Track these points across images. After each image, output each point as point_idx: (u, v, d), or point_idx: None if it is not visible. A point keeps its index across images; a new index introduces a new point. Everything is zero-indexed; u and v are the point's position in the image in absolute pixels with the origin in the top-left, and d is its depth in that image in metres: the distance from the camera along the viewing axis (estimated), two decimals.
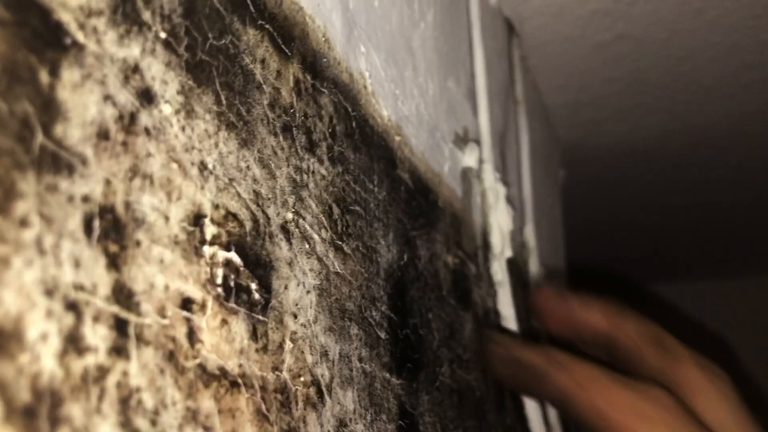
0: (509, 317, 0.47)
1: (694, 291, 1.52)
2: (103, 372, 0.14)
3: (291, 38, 0.25)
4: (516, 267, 0.53)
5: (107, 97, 0.16)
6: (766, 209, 1.05)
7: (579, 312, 0.40)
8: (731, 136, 0.83)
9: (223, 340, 0.18)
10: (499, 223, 0.47)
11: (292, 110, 0.24)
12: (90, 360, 0.14)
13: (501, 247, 0.47)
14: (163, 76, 0.18)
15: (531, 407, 0.47)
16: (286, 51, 0.24)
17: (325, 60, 0.27)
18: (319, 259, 0.24)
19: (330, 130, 0.27)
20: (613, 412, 0.33)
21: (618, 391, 0.33)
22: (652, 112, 0.79)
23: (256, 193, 0.21)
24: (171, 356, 0.16)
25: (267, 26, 0.23)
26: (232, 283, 0.19)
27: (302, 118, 0.25)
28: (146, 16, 0.18)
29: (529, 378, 0.36)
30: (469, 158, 0.45)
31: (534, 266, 0.57)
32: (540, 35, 0.64)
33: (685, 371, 0.35)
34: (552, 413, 0.54)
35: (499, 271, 0.47)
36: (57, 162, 0.15)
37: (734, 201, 1.03)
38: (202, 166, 0.19)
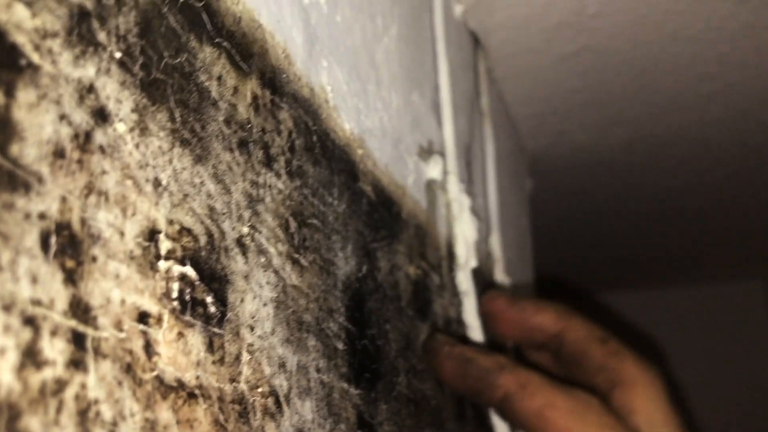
0: (474, 326, 0.47)
1: (656, 298, 1.55)
2: (61, 385, 0.15)
3: (249, 55, 0.25)
4: (482, 277, 0.54)
5: (63, 117, 0.17)
6: (728, 215, 1.08)
7: (531, 315, 0.42)
8: (693, 145, 0.85)
9: (179, 352, 0.19)
10: (464, 233, 0.48)
11: (249, 126, 0.25)
12: (48, 373, 0.15)
13: (466, 257, 0.48)
14: (117, 95, 0.19)
15: (496, 416, 0.48)
16: (244, 67, 0.25)
17: (284, 75, 0.28)
18: (276, 272, 0.25)
19: (289, 145, 0.28)
20: (552, 412, 0.35)
21: (557, 394, 0.36)
22: (616, 123, 0.80)
23: (211, 208, 0.22)
24: (128, 368, 0.17)
25: (224, 44, 0.24)
26: (187, 297, 0.20)
27: (260, 133, 0.25)
28: (101, 36, 0.18)
29: (474, 376, 0.37)
30: (433, 170, 0.46)
31: (500, 275, 0.58)
32: (505, 48, 0.65)
33: (625, 367, 0.38)
34: None
35: (464, 281, 0.47)
36: (13, 180, 0.15)
37: (697, 208, 1.05)
38: (157, 183, 0.19)
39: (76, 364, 0.15)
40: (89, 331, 0.16)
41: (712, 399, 1.47)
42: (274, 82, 0.27)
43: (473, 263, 0.48)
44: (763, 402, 1.43)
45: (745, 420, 1.44)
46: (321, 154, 0.30)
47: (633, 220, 1.10)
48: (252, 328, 0.23)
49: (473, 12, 0.60)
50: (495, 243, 0.59)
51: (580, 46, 0.66)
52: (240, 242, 0.23)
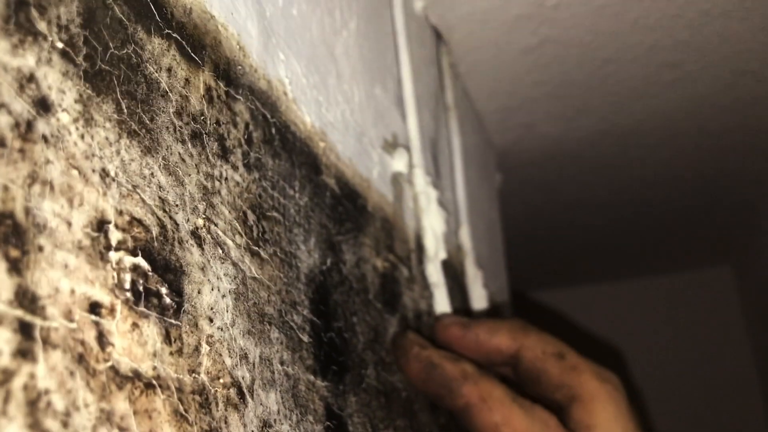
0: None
1: (628, 289, 1.56)
2: (7, 375, 0.15)
3: (202, 47, 0.25)
4: (452, 269, 0.54)
5: (1, 105, 0.16)
6: (695, 203, 1.09)
7: (486, 339, 0.41)
8: (657, 133, 0.86)
9: (134, 343, 0.19)
10: (432, 225, 0.48)
11: (202, 117, 0.25)
12: None
13: (435, 250, 0.48)
14: (60, 85, 0.18)
15: None
16: (197, 59, 0.25)
17: (240, 67, 0.28)
18: (234, 264, 0.25)
19: (246, 137, 0.27)
20: (507, 430, 0.36)
21: (515, 412, 0.36)
22: (581, 114, 0.81)
23: (162, 200, 0.21)
24: (81, 359, 0.17)
25: (174, 35, 0.24)
26: (141, 288, 0.19)
27: (214, 125, 0.25)
28: (41, 26, 0.18)
29: (438, 383, 0.37)
30: (398, 163, 0.45)
31: (471, 268, 0.58)
32: (468, 42, 0.66)
33: (582, 381, 0.38)
34: None
35: (434, 273, 0.48)
36: None
37: (665, 196, 1.06)
38: (104, 173, 0.19)
39: (24, 353, 0.15)
40: (37, 321, 0.16)
41: (686, 389, 1.49)
42: (229, 74, 0.27)
43: (443, 255, 0.48)
44: (737, 388, 1.45)
45: (719, 409, 1.46)
46: (281, 147, 0.30)
47: (602, 211, 1.11)
48: (211, 320, 0.22)
49: (434, 7, 0.60)
50: (465, 236, 0.59)
51: (542, 38, 0.67)
52: (195, 234, 0.23)
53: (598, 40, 0.68)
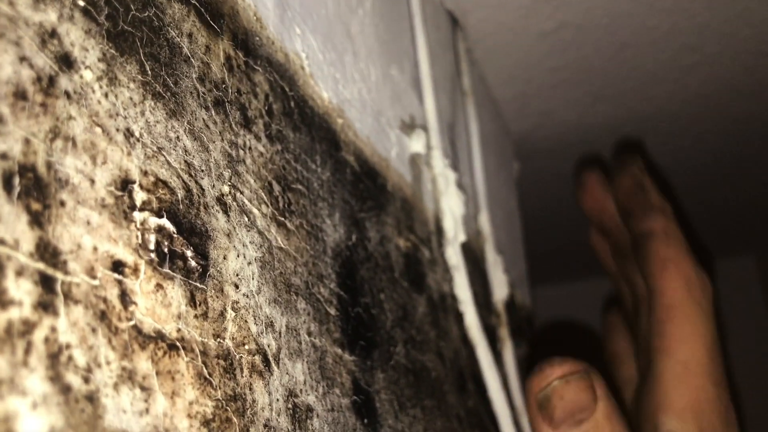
0: (467, 301, 0.47)
1: None
2: (29, 326, 0.14)
3: (220, 15, 0.25)
4: (471, 252, 0.53)
5: (23, 59, 0.16)
6: (716, 191, 1.08)
7: (612, 205, 0.45)
8: (677, 119, 0.85)
9: (158, 304, 0.18)
10: (451, 208, 0.48)
11: (223, 85, 0.24)
12: (14, 313, 0.14)
13: (454, 232, 0.47)
14: (83, 42, 0.18)
15: (495, 390, 0.47)
16: (215, 27, 0.24)
17: (257, 38, 0.27)
18: (260, 233, 0.24)
19: (266, 108, 0.27)
20: (674, 268, 0.38)
21: (689, 260, 0.38)
22: (599, 100, 0.80)
23: (188, 164, 0.21)
24: (103, 316, 0.16)
25: (193, 1, 0.23)
26: (165, 250, 0.19)
27: (235, 94, 0.25)
28: None
29: (640, 201, 0.41)
30: (416, 144, 0.45)
31: (490, 253, 0.58)
32: (483, 27, 0.65)
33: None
34: (517, 397, 0.54)
35: (453, 256, 0.47)
36: None
37: (684, 185, 1.05)
38: (128, 133, 0.19)
39: (45, 306, 0.15)
40: (59, 275, 0.15)
41: None
42: (247, 44, 0.27)
43: (462, 238, 0.47)
44: (759, 380, 1.44)
45: (744, 399, 1.45)
46: (300, 121, 0.30)
47: None
48: (237, 286, 0.22)
49: None
50: (484, 221, 0.58)
51: (558, 23, 0.66)
52: (221, 200, 0.22)
53: (615, 24, 0.67)
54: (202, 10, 0.24)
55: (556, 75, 0.74)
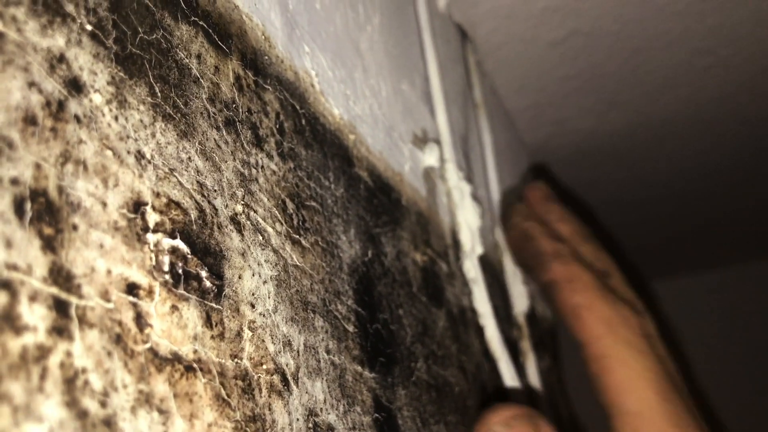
0: (486, 314, 0.46)
1: (672, 287, 1.53)
2: (43, 351, 0.14)
3: (228, 35, 0.25)
4: (490, 265, 0.53)
5: (32, 84, 0.16)
6: (736, 194, 1.07)
7: (553, 220, 0.42)
8: (693, 124, 0.85)
9: (174, 325, 0.18)
10: (467, 220, 0.47)
11: (234, 105, 0.24)
12: (29, 339, 0.14)
13: (471, 245, 0.47)
14: (91, 66, 0.18)
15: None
16: (224, 47, 0.25)
17: (266, 57, 0.27)
18: (275, 251, 0.24)
19: (277, 127, 0.27)
20: (587, 314, 0.35)
21: (598, 299, 0.36)
22: (613, 107, 0.80)
23: (201, 184, 0.21)
24: (118, 339, 0.16)
25: (201, 23, 0.23)
26: (180, 271, 0.19)
27: (246, 113, 0.25)
28: (69, 8, 0.18)
29: (531, 253, 0.38)
30: (429, 157, 0.45)
31: (509, 265, 0.57)
32: (493, 38, 0.65)
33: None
34: (541, 409, 0.53)
35: (471, 269, 0.47)
36: None
37: (704, 189, 1.04)
38: (140, 155, 0.19)
39: (60, 331, 0.15)
40: (73, 299, 0.15)
41: (738, 385, 1.45)
42: (256, 64, 0.27)
43: (479, 250, 0.47)
44: None
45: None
46: (312, 138, 0.30)
47: (640, 208, 1.09)
48: (253, 305, 0.22)
49: (457, 4, 0.60)
50: (501, 234, 0.58)
51: (569, 31, 0.66)
52: (234, 220, 0.22)
53: (626, 30, 0.67)
54: (210, 31, 0.24)
55: (568, 83, 0.74)
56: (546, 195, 0.43)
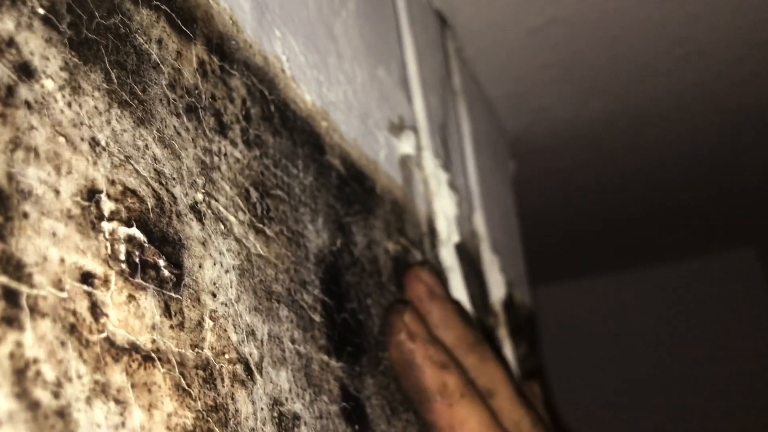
0: (462, 302, 0.46)
1: (649, 277, 1.54)
2: None
3: (193, 20, 0.25)
4: (466, 253, 0.53)
5: None
6: (713, 183, 1.07)
7: (433, 321, 0.37)
8: (672, 112, 0.85)
9: (131, 315, 0.18)
10: (444, 208, 0.47)
11: (196, 91, 0.24)
12: None
13: (448, 233, 0.47)
14: (43, 51, 0.18)
15: None
16: (188, 32, 0.24)
17: (234, 42, 0.27)
18: (238, 240, 0.24)
19: (243, 113, 0.27)
20: None
21: None
22: (592, 95, 0.80)
23: (158, 172, 0.21)
24: (72, 329, 0.16)
25: (163, 7, 0.23)
26: (137, 260, 0.19)
27: (209, 99, 0.25)
28: None
29: (413, 385, 0.33)
30: (406, 145, 0.45)
31: (486, 253, 0.57)
32: (472, 25, 0.65)
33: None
34: None
35: (447, 257, 0.47)
36: None
37: (682, 178, 1.04)
38: (94, 142, 0.18)
39: (9, 321, 0.14)
40: (24, 288, 0.15)
41: (713, 373, 1.47)
42: (223, 49, 0.26)
43: (456, 238, 0.47)
44: (763, 369, 1.43)
45: (747, 391, 1.44)
46: (281, 125, 0.30)
47: (619, 196, 1.09)
48: (214, 295, 0.22)
49: None
50: (479, 221, 0.58)
51: (548, 18, 0.66)
52: (194, 209, 0.22)
53: (605, 17, 0.67)
54: (173, 15, 0.24)
55: (548, 71, 0.74)
56: (429, 290, 0.38)
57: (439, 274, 0.46)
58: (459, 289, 0.46)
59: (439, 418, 0.33)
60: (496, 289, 0.57)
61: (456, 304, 0.39)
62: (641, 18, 0.67)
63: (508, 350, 0.55)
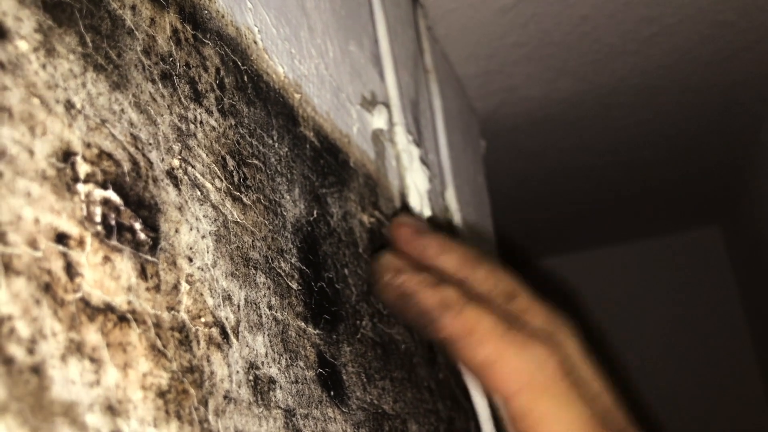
0: None
1: (615, 255, 1.57)
2: None
3: None
4: (439, 227, 0.53)
5: None
6: (679, 162, 1.09)
7: (434, 255, 0.36)
8: (639, 91, 0.86)
9: (107, 276, 0.18)
10: (416, 183, 0.48)
11: (171, 59, 0.24)
12: None
13: (420, 207, 0.47)
14: (16, 12, 0.18)
15: None
16: (161, 0, 0.24)
17: (206, 12, 0.27)
18: (214, 207, 0.24)
19: (217, 82, 0.27)
20: (499, 368, 0.31)
21: (507, 347, 0.31)
22: (562, 75, 0.81)
23: (134, 137, 0.21)
24: (47, 288, 0.16)
25: None
26: (113, 222, 0.19)
27: (184, 67, 0.25)
28: None
29: (415, 314, 0.33)
30: (378, 120, 0.45)
31: (459, 228, 0.58)
32: (443, 4, 0.65)
33: (535, 325, 0.34)
34: None
35: None
36: None
37: (649, 157, 1.06)
38: (69, 105, 0.18)
39: None
40: None
41: (678, 350, 1.50)
42: (195, 18, 0.26)
43: (428, 213, 0.48)
44: (730, 348, 1.46)
45: (712, 370, 1.47)
46: (255, 95, 0.30)
47: (588, 175, 1.11)
48: (190, 259, 0.22)
49: None
50: (451, 197, 0.58)
51: None
52: (171, 174, 0.22)
53: None
54: None
55: (517, 51, 0.74)
56: (415, 229, 0.37)
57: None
58: None
59: (451, 330, 0.32)
60: None
61: (446, 234, 0.39)
62: None
63: None
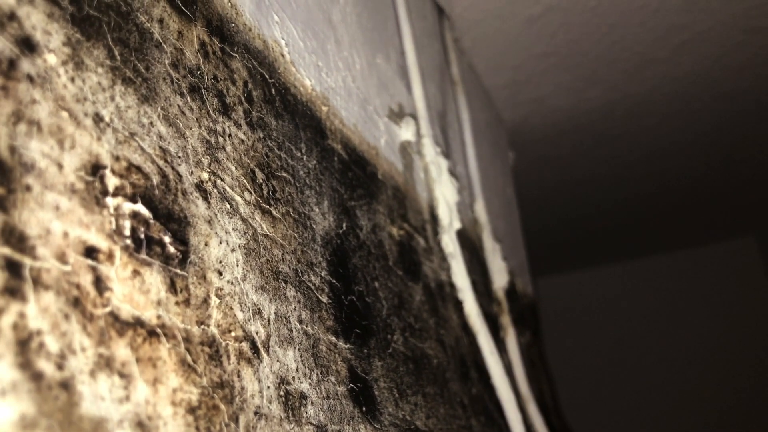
0: (465, 288, 0.46)
1: (650, 267, 1.54)
2: None
3: (192, 1, 0.24)
4: (469, 240, 0.53)
5: None
6: (713, 172, 1.07)
7: None
8: (670, 99, 0.85)
9: (136, 290, 0.18)
10: (445, 195, 0.47)
11: (199, 72, 0.24)
12: None
13: (449, 219, 0.47)
14: (45, 26, 0.18)
15: (498, 377, 0.47)
16: (188, 13, 0.24)
17: (233, 25, 0.27)
18: (244, 220, 0.24)
19: (245, 95, 0.27)
20: None
21: None
22: (591, 85, 0.80)
23: (163, 150, 0.21)
24: (76, 302, 0.16)
25: None
26: (142, 235, 0.19)
27: (212, 80, 0.24)
28: None
29: None
30: (406, 132, 0.45)
31: (488, 241, 0.57)
32: (469, 15, 0.65)
33: None
34: (522, 384, 0.54)
35: (449, 244, 0.46)
36: None
37: (681, 167, 1.04)
38: (98, 118, 0.18)
39: (12, 292, 0.14)
40: (26, 260, 0.15)
41: (717, 361, 1.47)
42: (222, 31, 0.26)
43: (457, 225, 0.47)
44: (762, 358, 1.43)
45: (748, 376, 1.44)
46: (282, 108, 0.29)
47: (619, 186, 1.09)
48: (220, 273, 0.21)
49: None
50: (480, 209, 0.58)
51: (545, 7, 0.65)
52: (200, 187, 0.22)
53: (602, 5, 0.67)
54: None
55: (545, 60, 0.74)
56: None
57: (442, 260, 0.46)
58: (461, 276, 0.46)
59: None
60: (499, 277, 0.56)
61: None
62: (638, 5, 0.67)
63: (512, 338, 0.55)
